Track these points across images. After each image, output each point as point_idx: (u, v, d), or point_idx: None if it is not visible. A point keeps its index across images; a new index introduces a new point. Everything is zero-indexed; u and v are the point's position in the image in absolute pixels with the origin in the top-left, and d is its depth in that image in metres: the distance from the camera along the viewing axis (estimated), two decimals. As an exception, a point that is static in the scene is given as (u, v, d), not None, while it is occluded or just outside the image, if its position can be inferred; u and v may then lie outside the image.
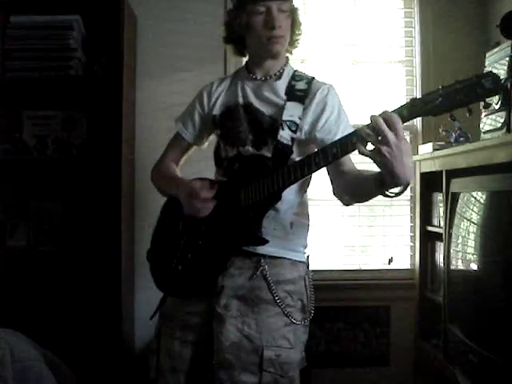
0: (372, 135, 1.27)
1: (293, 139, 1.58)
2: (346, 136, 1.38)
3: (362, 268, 3.09)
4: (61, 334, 2.58)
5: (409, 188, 1.24)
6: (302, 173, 1.46)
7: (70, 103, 2.75)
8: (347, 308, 3.02)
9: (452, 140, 2.59)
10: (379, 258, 3.13)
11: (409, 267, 3.07)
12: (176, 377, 1.60)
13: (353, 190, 1.56)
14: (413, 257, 3.03)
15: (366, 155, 1.29)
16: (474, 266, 2.15)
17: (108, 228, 2.56)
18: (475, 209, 2.13)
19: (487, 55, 2.25)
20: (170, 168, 1.80)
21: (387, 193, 1.36)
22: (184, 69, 2.84)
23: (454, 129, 2.60)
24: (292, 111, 1.59)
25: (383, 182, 1.34)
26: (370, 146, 1.31)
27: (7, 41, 2.59)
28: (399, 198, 1.37)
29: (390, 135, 1.24)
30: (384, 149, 1.25)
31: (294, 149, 1.60)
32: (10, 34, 2.59)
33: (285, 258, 1.62)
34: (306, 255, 1.72)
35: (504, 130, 2.05)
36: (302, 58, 3.08)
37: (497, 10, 2.83)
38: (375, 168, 1.35)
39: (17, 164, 2.69)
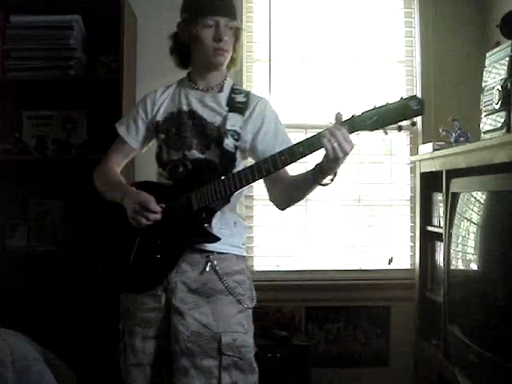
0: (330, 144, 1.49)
1: (236, 147, 1.74)
2: (311, 138, 1.55)
3: (362, 268, 3.09)
4: (61, 334, 2.58)
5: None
6: (253, 178, 1.61)
7: (70, 103, 2.75)
8: (347, 308, 3.02)
9: (452, 140, 2.59)
10: (379, 258, 3.13)
11: (409, 267, 3.07)
12: (142, 371, 1.70)
13: (292, 193, 1.73)
14: (413, 257, 3.03)
15: (326, 149, 1.49)
16: (474, 266, 2.15)
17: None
18: (475, 209, 2.13)
19: (487, 55, 2.25)
20: (115, 173, 1.87)
21: (325, 181, 1.59)
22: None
23: (454, 129, 2.61)
24: (233, 121, 1.74)
25: (322, 173, 1.56)
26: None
27: (7, 41, 2.59)
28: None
29: (346, 146, 1.48)
30: (340, 155, 1.48)
31: (237, 156, 1.76)
32: (9, 34, 2.59)
33: (231, 253, 1.75)
34: (245, 251, 1.85)
35: (504, 130, 2.05)
36: (302, 58, 3.08)
37: (497, 9, 2.83)
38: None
39: (17, 164, 2.69)
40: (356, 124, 1.51)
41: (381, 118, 1.50)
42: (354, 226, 3.11)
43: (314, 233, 3.10)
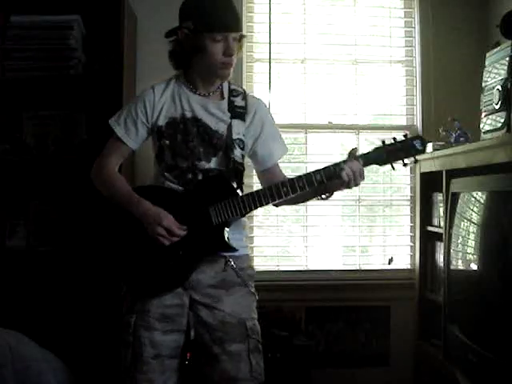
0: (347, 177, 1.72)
1: (242, 156, 1.83)
2: (329, 168, 1.74)
3: (362, 268, 3.09)
4: (61, 334, 2.58)
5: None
6: (273, 199, 1.74)
7: (70, 103, 2.74)
8: (347, 308, 3.02)
9: (452, 140, 2.59)
10: (379, 258, 3.13)
11: (409, 267, 3.07)
12: (161, 361, 1.77)
13: (295, 197, 1.81)
14: (413, 257, 3.03)
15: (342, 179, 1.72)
16: (473, 266, 2.15)
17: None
18: (475, 209, 2.13)
19: (487, 55, 2.25)
20: (119, 177, 1.86)
21: (323, 197, 1.79)
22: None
23: (454, 129, 2.60)
24: (238, 129, 1.81)
25: (326, 191, 1.78)
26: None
27: (7, 41, 2.59)
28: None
29: (359, 180, 1.73)
30: (351, 185, 1.73)
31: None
32: (9, 34, 2.59)
33: (243, 253, 1.87)
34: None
35: (504, 130, 2.05)
36: (302, 58, 3.08)
37: (497, 10, 2.83)
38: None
39: (17, 164, 2.68)
40: (370, 160, 1.74)
41: (391, 157, 1.74)
42: (354, 226, 3.12)
43: (313, 233, 3.10)
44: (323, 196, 1.80)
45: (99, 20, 2.69)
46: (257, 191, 1.75)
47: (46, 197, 2.75)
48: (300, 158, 3.08)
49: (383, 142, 1.75)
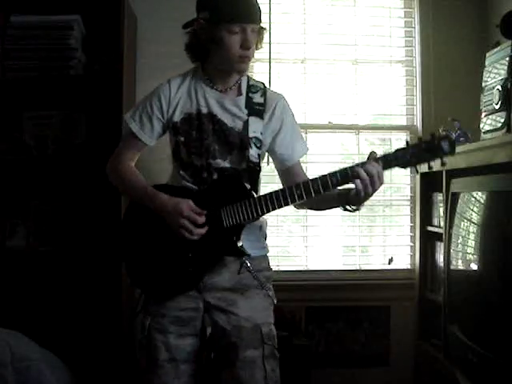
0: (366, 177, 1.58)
1: (259, 155, 1.75)
2: (345, 170, 1.61)
3: (362, 268, 3.09)
4: (61, 333, 2.58)
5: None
6: (286, 203, 1.65)
7: (70, 103, 2.74)
8: (347, 308, 3.02)
9: (452, 140, 2.58)
10: (379, 258, 3.13)
11: (409, 267, 3.07)
12: (175, 365, 1.73)
13: (317, 203, 1.78)
14: (413, 257, 3.02)
15: (356, 186, 1.58)
16: (473, 266, 2.15)
17: (108, 228, 2.55)
18: (475, 209, 2.13)
19: (487, 55, 2.25)
20: (135, 172, 1.83)
21: (347, 208, 1.67)
22: (184, 69, 2.84)
23: (454, 129, 2.60)
24: (254, 127, 1.74)
25: (348, 202, 1.66)
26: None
27: (7, 41, 2.59)
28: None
29: (378, 183, 1.58)
30: (370, 190, 1.58)
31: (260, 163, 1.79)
32: (9, 34, 2.59)
33: (259, 255, 1.81)
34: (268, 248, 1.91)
35: (504, 130, 2.05)
36: (302, 58, 3.08)
37: (497, 9, 2.83)
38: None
39: (17, 164, 2.68)
40: (391, 161, 1.60)
41: (414, 159, 1.59)
42: (354, 226, 3.11)
43: (314, 233, 3.10)
44: (348, 208, 1.67)
45: (99, 20, 2.69)
46: (270, 193, 1.66)
47: (46, 197, 2.75)
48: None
49: (407, 142, 1.62)
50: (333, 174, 1.62)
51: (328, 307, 3.00)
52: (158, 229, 1.73)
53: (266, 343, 1.73)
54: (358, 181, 1.57)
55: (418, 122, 3.08)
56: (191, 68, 1.84)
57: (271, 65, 3.01)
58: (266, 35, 1.79)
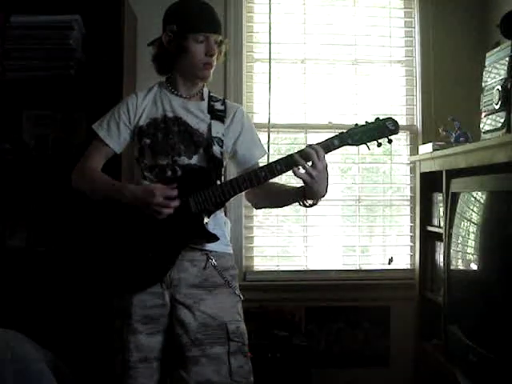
0: (302, 161, 1.71)
1: (222, 153, 1.87)
2: (287, 157, 1.75)
3: (362, 268, 3.09)
4: (61, 334, 2.57)
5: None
6: (245, 186, 1.77)
7: (70, 103, 2.74)
8: (347, 308, 3.02)
9: (452, 140, 2.59)
10: (379, 258, 3.13)
11: (409, 267, 3.07)
12: (149, 365, 1.78)
13: (273, 199, 1.92)
14: (413, 257, 3.03)
15: (298, 176, 1.69)
16: (473, 266, 2.15)
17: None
18: (475, 209, 2.13)
19: (487, 55, 2.25)
20: (100, 172, 1.89)
21: (305, 203, 1.79)
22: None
23: (454, 129, 2.61)
24: (217, 129, 1.87)
25: (304, 196, 1.77)
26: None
27: (7, 41, 2.59)
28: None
29: (319, 164, 1.69)
30: (314, 173, 1.68)
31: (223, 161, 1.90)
32: (9, 34, 2.59)
33: (226, 252, 1.89)
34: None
35: (504, 130, 2.05)
36: (302, 58, 3.08)
37: (497, 10, 2.83)
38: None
39: (16, 164, 2.68)
40: (343, 139, 1.76)
41: (364, 136, 1.76)
42: (354, 226, 3.12)
43: (313, 233, 3.10)
44: (305, 202, 1.80)
45: (99, 20, 2.69)
46: (233, 179, 1.79)
47: (46, 197, 2.75)
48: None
49: (356, 124, 1.78)
50: (277, 161, 1.76)
51: (328, 307, 3.00)
52: (123, 223, 1.80)
53: (232, 340, 1.79)
54: (299, 169, 1.70)
55: (418, 122, 3.08)
56: (157, 81, 1.96)
57: (271, 65, 3.01)
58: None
